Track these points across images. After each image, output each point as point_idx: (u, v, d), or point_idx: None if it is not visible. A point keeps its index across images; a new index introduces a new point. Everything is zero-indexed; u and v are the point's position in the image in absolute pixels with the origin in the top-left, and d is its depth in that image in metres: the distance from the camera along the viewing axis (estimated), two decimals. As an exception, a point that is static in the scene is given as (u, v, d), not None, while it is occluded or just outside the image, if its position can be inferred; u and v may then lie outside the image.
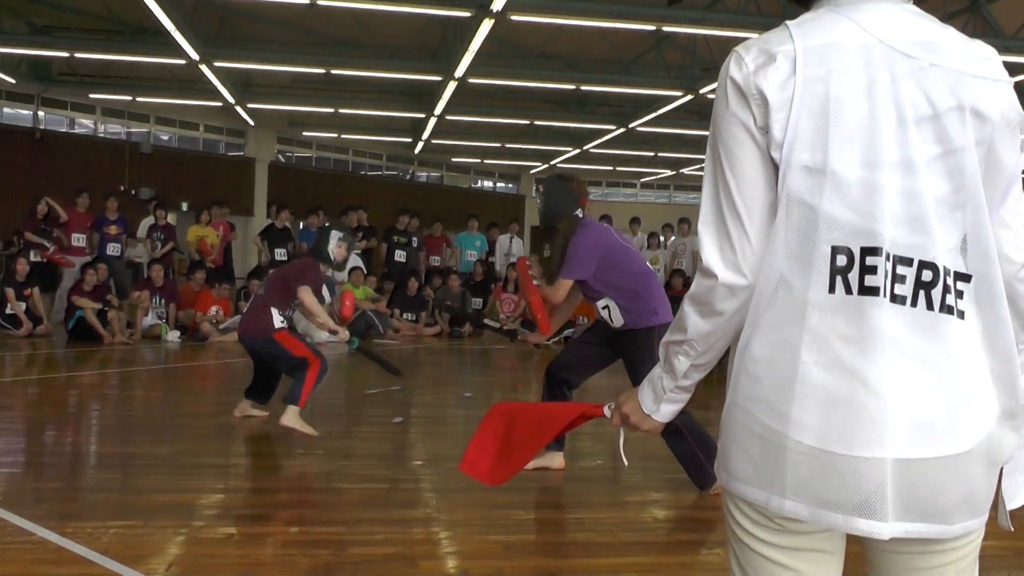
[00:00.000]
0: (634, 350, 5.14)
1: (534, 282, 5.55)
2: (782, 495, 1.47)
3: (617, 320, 5.15)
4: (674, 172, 33.68)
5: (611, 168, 33.43)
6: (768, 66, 1.49)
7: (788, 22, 1.54)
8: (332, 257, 6.87)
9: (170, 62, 18.96)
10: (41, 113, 23.09)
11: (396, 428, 6.82)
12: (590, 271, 5.11)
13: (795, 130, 1.47)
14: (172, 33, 15.57)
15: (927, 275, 1.45)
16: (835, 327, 1.45)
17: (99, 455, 5.87)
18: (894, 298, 1.44)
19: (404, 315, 14.49)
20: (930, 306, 1.45)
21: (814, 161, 1.46)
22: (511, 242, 16.75)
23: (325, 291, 13.18)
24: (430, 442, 6.41)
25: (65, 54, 19.44)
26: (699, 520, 4.56)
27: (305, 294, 6.58)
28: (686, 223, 15.22)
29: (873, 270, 1.44)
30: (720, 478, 1.61)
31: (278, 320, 6.58)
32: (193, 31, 16.78)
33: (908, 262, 1.45)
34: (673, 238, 15.74)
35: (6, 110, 22.58)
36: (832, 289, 1.45)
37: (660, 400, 1.73)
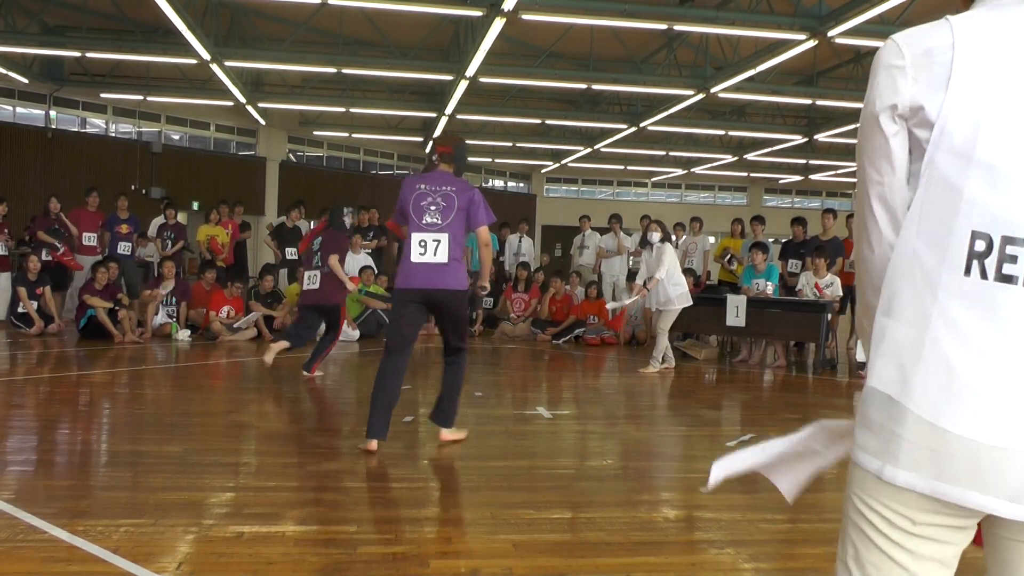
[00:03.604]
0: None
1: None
2: (951, 482, 1.49)
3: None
4: (685, 171, 33.62)
5: (622, 167, 33.41)
6: (926, 55, 1.54)
7: (949, 16, 1.58)
8: (346, 224, 9.86)
9: (181, 62, 19.02)
10: (53, 113, 23.16)
11: (406, 427, 6.82)
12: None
13: (948, 115, 1.51)
14: (183, 33, 15.62)
15: None
16: (967, 310, 1.48)
17: (110, 453, 5.88)
18: None
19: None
20: None
21: (964, 147, 1.49)
22: (520, 241, 16.74)
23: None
24: (439, 441, 6.40)
25: (77, 54, 19.50)
26: (710, 520, 4.54)
27: (333, 262, 9.31)
28: (697, 222, 15.19)
29: (1013, 259, 1.46)
30: (865, 463, 1.60)
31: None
32: (204, 31, 16.83)
33: None
34: (684, 237, 15.69)
35: (18, 109, 22.66)
36: (968, 272, 1.48)
37: None
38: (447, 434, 6.26)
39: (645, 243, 11.15)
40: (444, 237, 5.93)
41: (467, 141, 23.38)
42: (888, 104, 1.57)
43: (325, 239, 9.48)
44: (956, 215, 1.49)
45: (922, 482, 1.49)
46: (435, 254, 5.92)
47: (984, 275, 1.47)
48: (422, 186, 6.07)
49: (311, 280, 9.40)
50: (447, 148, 6.27)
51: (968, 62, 1.51)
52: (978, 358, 1.46)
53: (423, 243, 5.93)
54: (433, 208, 5.99)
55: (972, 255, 1.48)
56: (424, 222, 5.96)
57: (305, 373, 9.37)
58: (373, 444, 5.91)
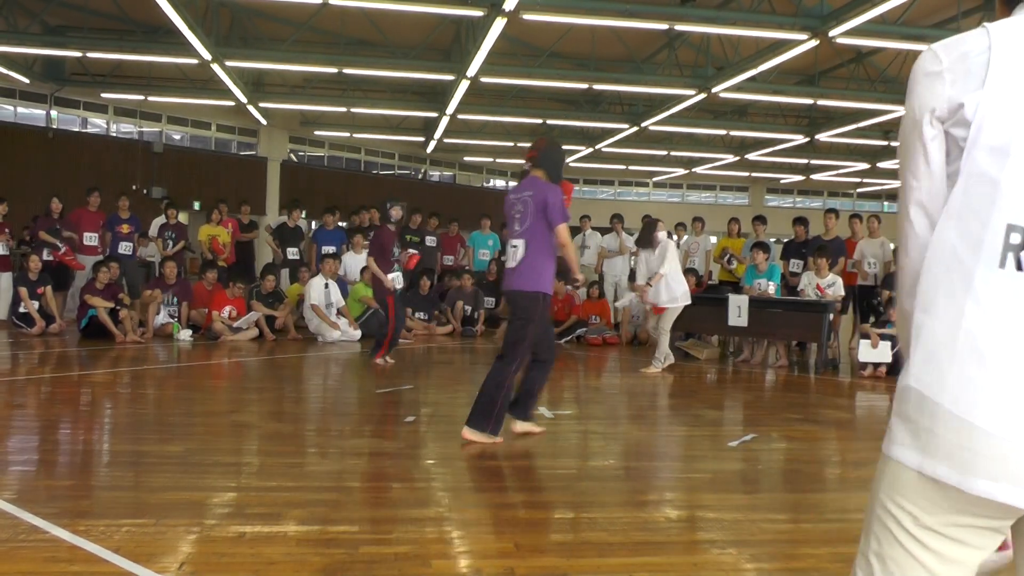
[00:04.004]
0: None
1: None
2: (984, 476, 1.48)
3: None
4: (687, 171, 33.62)
5: (624, 167, 33.43)
6: (963, 59, 1.57)
7: (986, 23, 1.61)
8: (392, 217, 10.61)
9: (182, 62, 19.03)
10: (54, 113, 23.19)
11: (408, 427, 6.82)
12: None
13: (985, 112, 1.53)
14: (184, 33, 15.63)
15: None
16: (1001, 303, 1.48)
17: (111, 453, 5.87)
18: None
19: (417, 314, 14.48)
20: None
21: (1002, 142, 1.51)
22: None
23: (336, 293, 13.20)
24: (442, 441, 6.40)
25: (78, 54, 19.54)
26: (712, 520, 4.54)
27: (371, 262, 10.61)
28: (700, 222, 15.18)
29: None
30: (900, 456, 1.59)
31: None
32: (205, 31, 16.83)
33: None
34: (686, 237, 15.69)
35: (20, 109, 22.70)
36: (1003, 265, 1.49)
37: None
38: (518, 426, 6.51)
39: (646, 243, 11.02)
40: (521, 243, 6.24)
41: (468, 142, 23.46)
42: (927, 110, 1.59)
43: (373, 235, 10.94)
44: (992, 208, 1.50)
45: (955, 476, 1.48)
46: (513, 258, 6.30)
47: (1019, 267, 1.48)
48: (511, 196, 6.43)
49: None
50: (533, 153, 6.47)
51: (1004, 61, 1.53)
52: (1011, 351, 1.46)
53: (508, 250, 6.40)
54: (517, 216, 6.31)
55: (1007, 248, 1.49)
56: (513, 230, 6.34)
57: (379, 362, 10.45)
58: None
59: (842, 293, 11.56)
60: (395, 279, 10.54)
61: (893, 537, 1.59)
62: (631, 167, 33.53)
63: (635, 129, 24.52)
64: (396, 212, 10.64)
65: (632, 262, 15.94)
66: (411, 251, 11.44)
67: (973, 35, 1.59)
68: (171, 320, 12.82)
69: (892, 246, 12.38)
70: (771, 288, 11.95)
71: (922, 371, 1.54)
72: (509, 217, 6.37)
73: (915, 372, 1.56)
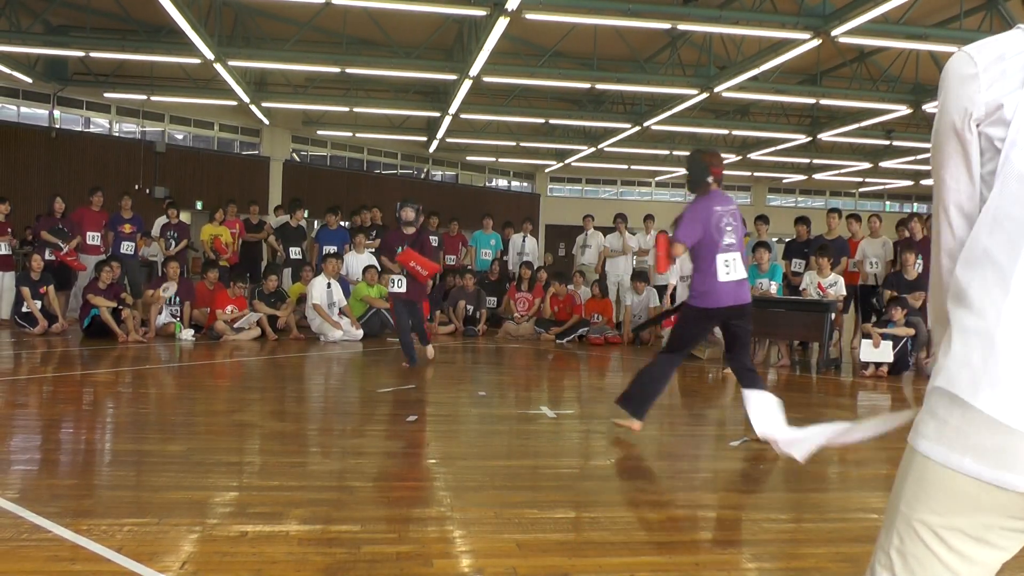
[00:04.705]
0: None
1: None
2: (1019, 472, 1.47)
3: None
4: (689, 171, 33.57)
5: (626, 167, 33.39)
6: (1000, 60, 1.56)
7: (1021, 25, 1.60)
8: (402, 219, 10.42)
9: (185, 61, 19.04)
10: (57, 112, 23.18)
11: (410, 427, 6.82)
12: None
13: None
14: (187, 32, 15.63)
15: None
16: None
17: (113, 453, 5.88)
18: None
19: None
20: None
21: None
22: (524, 241, 16.72)
23: (338, 292, 13.21)
24: (444, 441, 6.40)
25: (81, 53, 19.53)
26: (713, 519, 4.54)
27: (383, 260, 10.88)
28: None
29: None
30: (933, 453, 1.57)
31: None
32: (208, 30, 16.85)
33: None
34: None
35: (23, 109, 22.69)
36: None
37: None
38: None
39: None
40: (739, 255, 6.51)
41: (470, 141, 23.53)
42: (964, 113, 1.58)
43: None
44: None
45: (988, 472, 1.47)
46: (737, 271, 6.47)
47: None
48: (718, 208, 6.53)
49: None
50: (721, 170, 6.65)
51: None
52: None
53: (728, 263, 6.47)
54: (729, 229, 6.52)
55: None
56: (725, 243, 6.48)
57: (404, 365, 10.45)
58: (636, 424, 6.55)
59: (844, 292, 11.56)
60: (395, 281, 10.42)
61: (916, 535, 1.57)
62: (633, 167, 33.49)
63: (637, 128, 24.50)
64: (405, 213, 10.48)
65: (635, 262, 15.94)
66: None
67: (1007, 36, 1.58)
68: (173, 320, 12.83)
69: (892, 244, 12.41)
70: (773, 287, 11.95)
71: (955, 373, 1.52)
72: (717, 229, 6.46)
73: (948, 376, 1.53)
